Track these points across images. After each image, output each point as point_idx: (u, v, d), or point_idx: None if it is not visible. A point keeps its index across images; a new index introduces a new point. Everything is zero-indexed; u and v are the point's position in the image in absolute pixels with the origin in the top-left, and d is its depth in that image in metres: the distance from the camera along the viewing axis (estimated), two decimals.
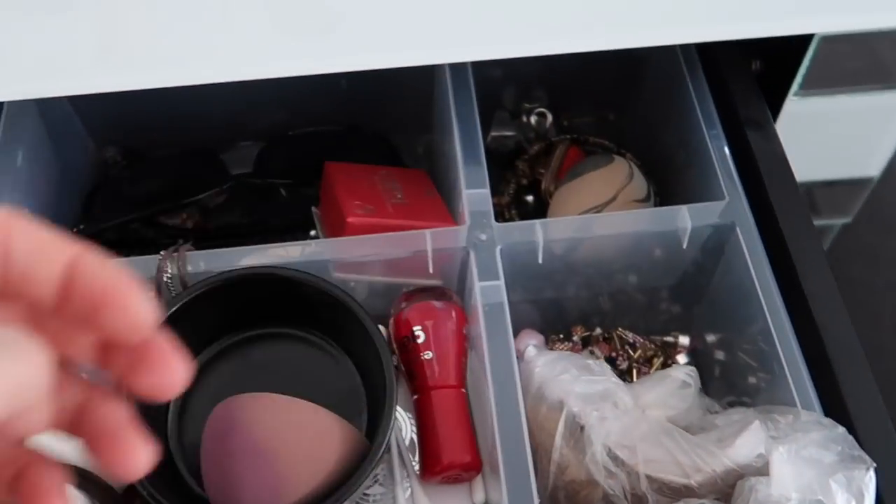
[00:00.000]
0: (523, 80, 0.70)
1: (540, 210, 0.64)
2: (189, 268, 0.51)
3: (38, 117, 0.59)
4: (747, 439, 0.43)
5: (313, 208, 0.62)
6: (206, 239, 0.61)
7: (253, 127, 0.69)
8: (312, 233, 0.64)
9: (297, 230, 0.64)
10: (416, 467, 0.51)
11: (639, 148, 0.68)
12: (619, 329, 0.59)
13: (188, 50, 0.51)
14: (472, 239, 0.52)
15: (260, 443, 0.44)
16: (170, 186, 0.64)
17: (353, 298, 0.49)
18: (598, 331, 0.59)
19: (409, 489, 0.50)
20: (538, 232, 0.52)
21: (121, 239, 0.63)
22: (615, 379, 0.47)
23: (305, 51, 0.52)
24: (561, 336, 0.59)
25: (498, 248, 0.51)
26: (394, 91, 0.69)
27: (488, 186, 0.54)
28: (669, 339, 0.59)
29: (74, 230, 0.61)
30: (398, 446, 0.51)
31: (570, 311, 0.60)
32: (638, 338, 0.59)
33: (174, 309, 0.49)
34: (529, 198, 0.65)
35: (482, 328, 0.49)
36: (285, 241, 0.61)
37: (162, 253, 0.51)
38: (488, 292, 0.50)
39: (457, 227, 0.52)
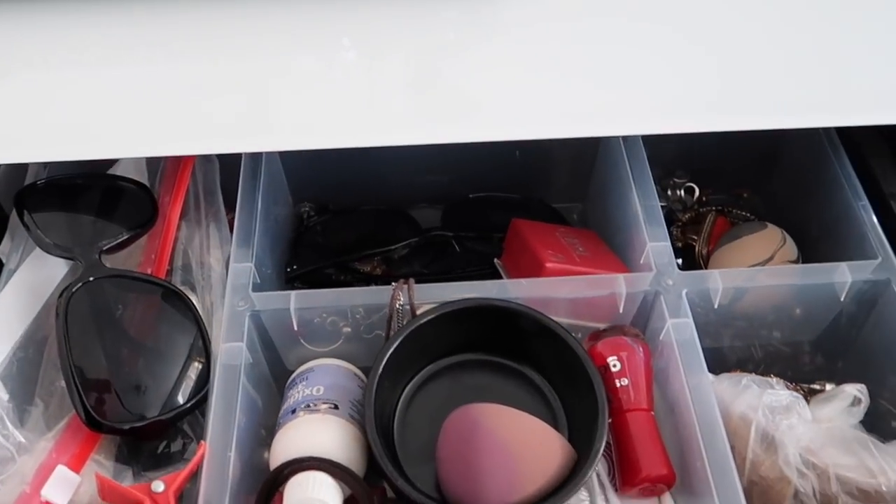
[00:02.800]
0: (667, 160, 0.79)
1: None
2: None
3: (262, 175, 0.68)
4: None
5: (496, 260, 0.70)
6: None
7: (429, 192, 0.78)
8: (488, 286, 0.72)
9: (472, 280, 0.72)
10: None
11: (772, 221, 0.76)
12: (772, 376, 0.66)
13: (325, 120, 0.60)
14: (660, 284, 0.60)
15: (502, 443, 0.51)
16: (365, 237, 0.73)
17: (566, 329, 0.57)
18: (753, 375, 0.66)
19: (606, 500, 0.56)
20: (717, 279, 0.60)
21: (319, 280, 0.72)
22: (795, 393, 0.54)
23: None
24: None
25: (684, 291, 0.59)
26: (556, 162, 0.79)
27: (669, 240, 0.62)
28: (816, 386, 0.66)
29: (287, 269, 0.70)
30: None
31: (727, 357, 0.67)
32: (788, 384, 0.65)
33: (408, 332, 0.57)
34: (679, 261, 0.73)
35: (678, 358, 0.56)
36: None
37: (394, 284, 0.59)
38: (679, 328, 0.58)
39: (646, 273, 0.60)
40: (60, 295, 0.55)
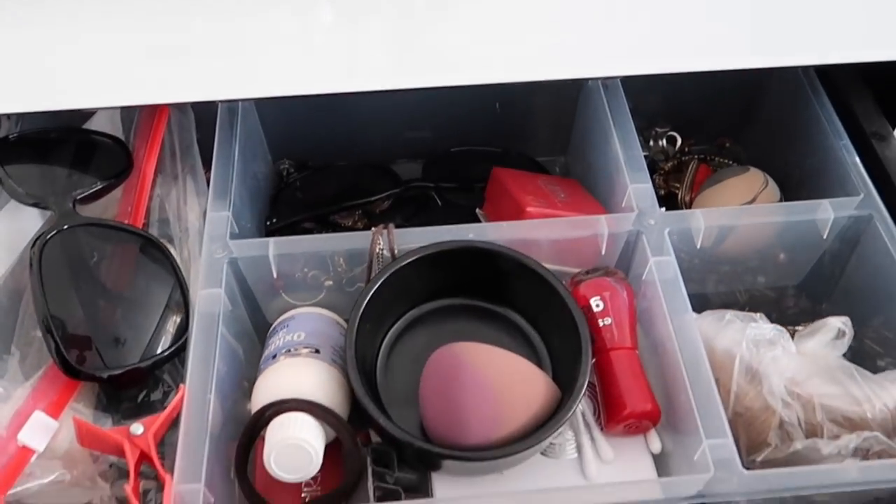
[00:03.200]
0: (649, 112, 0.78)
1: None
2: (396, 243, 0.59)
3: (238, 128, 0.67)
4: None
5: (478, 209, 0.70)
6: None
7: (411, 147, 0.78)
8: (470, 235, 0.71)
9: None
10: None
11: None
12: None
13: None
14: (642, 224, 0.60)
15: (484, 380, 0.51)
16: (346, 192, 0.72)
17: (547, 269, 0.56)
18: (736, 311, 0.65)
19: (592, 439, 0.56)
20: (700, 218, 0.60)
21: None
22: (778, 327, 0.54)
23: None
24: None
25: (666, 231, 0.59)
26: (537, 115, 0.78)
27: (651, 183, 0.62)
28: (800, 328, 0.65)
29: (268, 223, 0.69)
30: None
31: (712, 302, 0.67)
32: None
33: (389, 274, 0.56)
34: (662, 209, 0.73)
35: (661, 296, 0.56)
36: None
37: (374, 229, 0.59)
38: (662, 266, 0.57)
39: (628, 213, 0.60)
40: (34, 243, 0.55)
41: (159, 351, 0.56)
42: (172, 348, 0.56)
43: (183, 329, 0.57)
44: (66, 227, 0.56)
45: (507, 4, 0.60)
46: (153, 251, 0.59)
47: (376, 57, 0.60)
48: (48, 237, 0.55)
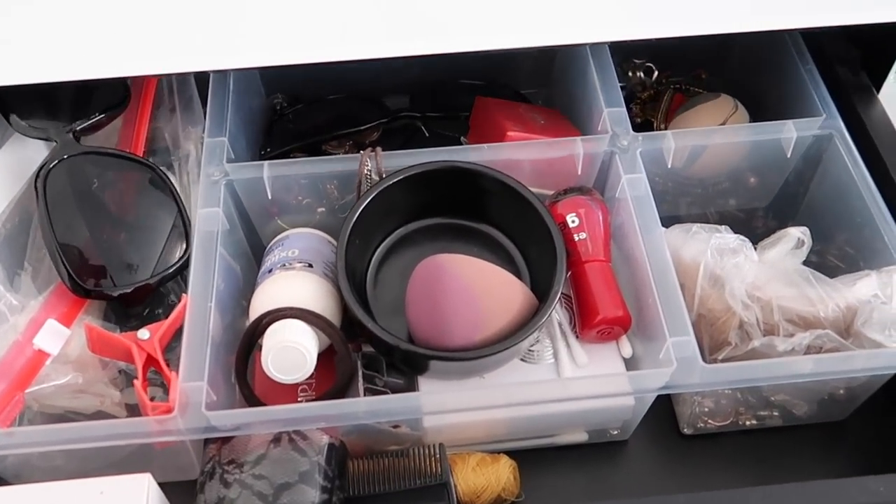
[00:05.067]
0: (626, 45, 0.81)
1: None
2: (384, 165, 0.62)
3: None
4: (866, 283, 0.53)
5: (462, 138, 0.73)
6: None
7: (399, 82, 0.80)
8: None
9: None
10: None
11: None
12: None
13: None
14: (616, 144, 0.63)
15: (466, 285, 0.54)
16: (337, 122, 0.75)
17: (525, 186, 0.60)
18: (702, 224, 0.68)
19: (567, 346, 0.60)
20: (670, 139, 0.63)
21: None
22: (742, 237, 0.58)
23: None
24: None
25: (639, 151, 0.62)
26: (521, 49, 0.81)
27: (624, 106, 0.65)
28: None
29: (262, 152, 0.73)
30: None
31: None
32: None
33: (377, 192, 0.60)
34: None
35: (633, 211, 0.59)
36: None
37: (362, 152, 0.62)
38: (634, 183, 0.61)
39: (602, 134, 0.63)
40: (38, 173, 0.58)
41: (163, 269, 0.60)
42: (174, 267, 0.60)
43: (184, 250, 0.61)
44: (66, 156, 0.59)
45: None
46: (152, 177, 0.62)
47: (366, 26, 0.61)
48: (51, 167, 0.58)
